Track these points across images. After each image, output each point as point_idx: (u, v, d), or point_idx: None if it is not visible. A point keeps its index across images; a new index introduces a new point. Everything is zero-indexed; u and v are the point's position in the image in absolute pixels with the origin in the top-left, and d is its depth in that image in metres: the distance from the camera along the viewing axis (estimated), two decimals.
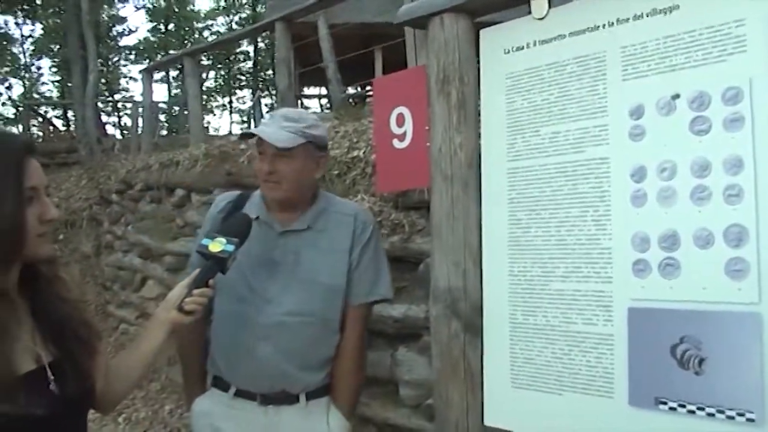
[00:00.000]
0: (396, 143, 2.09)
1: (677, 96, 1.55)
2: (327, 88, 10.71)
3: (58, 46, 24.98)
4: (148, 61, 24.65)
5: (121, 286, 6.58)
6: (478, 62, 1.92)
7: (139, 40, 29.40)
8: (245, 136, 2.15)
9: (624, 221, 1.60)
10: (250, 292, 2.01)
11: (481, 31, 1.92)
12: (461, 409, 1.88)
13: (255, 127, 2.18)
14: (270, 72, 27.09)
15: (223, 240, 1.80)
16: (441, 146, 1.89)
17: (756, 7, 1.45)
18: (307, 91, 17.84)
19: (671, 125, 1.55)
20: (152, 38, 28.63)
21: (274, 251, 2.04)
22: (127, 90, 29.93)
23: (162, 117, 20.01)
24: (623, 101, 1.62)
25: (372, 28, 9.82)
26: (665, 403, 1.54)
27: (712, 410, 1.48)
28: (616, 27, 1.65)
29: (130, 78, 29.97)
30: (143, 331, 1.71)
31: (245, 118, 29.81)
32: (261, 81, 28.39)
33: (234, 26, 28.32)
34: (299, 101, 14.70)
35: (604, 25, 1.68)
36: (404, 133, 2.07)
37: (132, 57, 28.95)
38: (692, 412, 1.50)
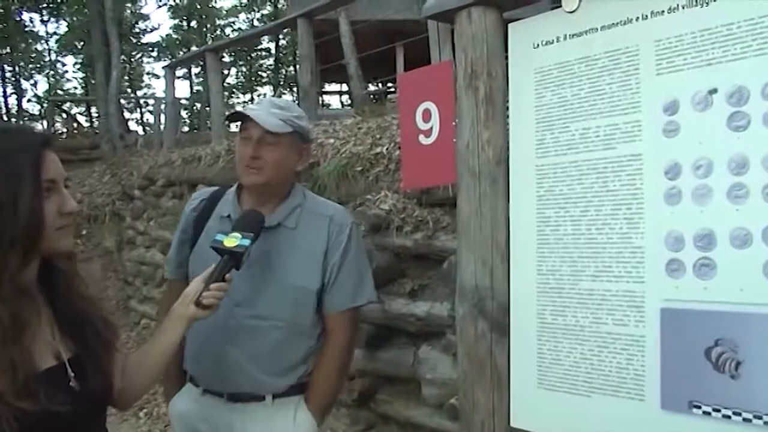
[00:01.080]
0: (422, 139, 2.06)
1: (714, 91, 1.50)
2: (348, 85, 10.71)
3: (82, 43, 25.16)
4: (170, 57, 24.81)
5: (143, 281, 6.61)
6: (507, 57, 1.89)
7: (162, 37, 29.55)
8: (234, 116, 2.03)
9: (657, 220, 1.56)
10: None
11: (510, 25, 1.89)
12: (487, 410, 1.84)
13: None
14: (291, 69, 27.15)
15: (239, 235, 1.79)
16: (468, 142, 1.86)
17: None
18: (328, 87, 17.85)
19: (707, 121, 1.50)
20: (174, 35, 28.77)
21: None
22: (149, 86, 30.14)
23: (184, 113, 20.14)
24: (657, 96, 1.58)
25: (393, 24, 9.79)
26: (699, 407, 1.50)
27: (749, 415, 1.44)
28: (650, 20, 1.61)
29: (153, 75, 30.07)
30: (162, 327, 1.70)
31: None
32: (282, 78, 28.47)
33: (255, 23, 28.40)
34: (320, 98, 14.72)
35: (637, 18, 1.63)
36: (430, 129, 2.04)
37: (154, 54, 29.14)
38: (728, 416, 1.46)
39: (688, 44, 1.54)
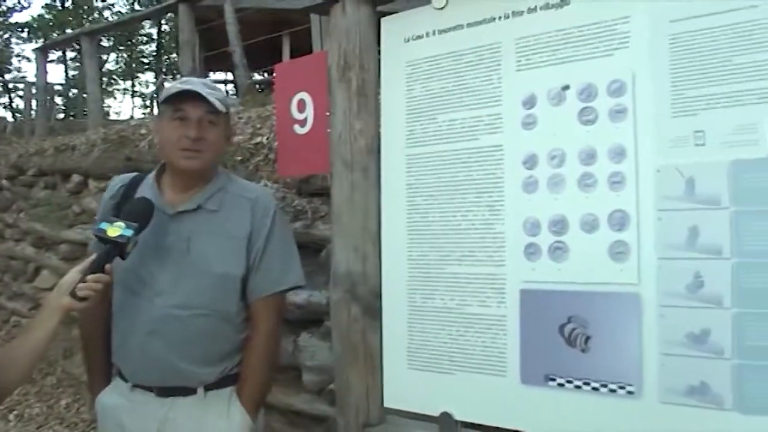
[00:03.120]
0: (297, 128, 2.09)
1: (567, 87, 1.62)
2: (233, 74, 10.52)
3: None
4: (43, 39, 23.46)
5: (12, 277, 6.27)
6: (380, 50, 1.95)
7: (33, 17, 27.93)
8: (179, 95, 1.86)
9: (516, 207, 1.67)
10: (140, 283, 1.89)
11: (383, 19, 1.95)
12: (361, 392, 1.91)
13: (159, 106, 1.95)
14: (174, 55, 26.29)
15: (122, 224, 1.72)
16: (341, 132, 1.91)
17: (640, 5, 1.54)
18: (213, 76, 17.46)
19: (561, 115, 1.62)
20: (47, 16, 27.26)
21: (166, 237, 1.90)
22: (19, 70, 28.42)
23: (59, 100, 19.15)
24: (517, 91, 1.68)
25: (280, 13, 9.73)
26: (554, 380, 1.62)
27: (596, 385, 1.57)
28: (512, 19, 1.71)
29: (24, 58, 28.43)
30: (34, 320, 1.64)
31: (148, 103, 28.87)
32: (165, 65, 27.56)
33: (137, 7, 27.34)
34: None
35: (500, 17, 1.73)
36: (305, 119, 2.07)
37: (24, 35, 27.50)
38: (578, 387, 1.59)
39: (545, 43, 1.66)
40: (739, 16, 1.43)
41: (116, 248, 1.70)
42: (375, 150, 1.89)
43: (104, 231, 1.71)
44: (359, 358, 1.90)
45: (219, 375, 1.94)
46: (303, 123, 2.08)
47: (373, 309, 1.88)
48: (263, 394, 2.05)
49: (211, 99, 1.85)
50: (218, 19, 7.37)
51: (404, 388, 1.86)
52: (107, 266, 1.68)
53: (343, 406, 1.94)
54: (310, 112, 2.07)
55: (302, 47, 7.00)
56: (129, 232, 1.71)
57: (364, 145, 1.89)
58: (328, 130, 1.98)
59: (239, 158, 3.47)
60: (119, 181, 2.09)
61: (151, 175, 2.03)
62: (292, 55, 10.13)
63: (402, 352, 1.85)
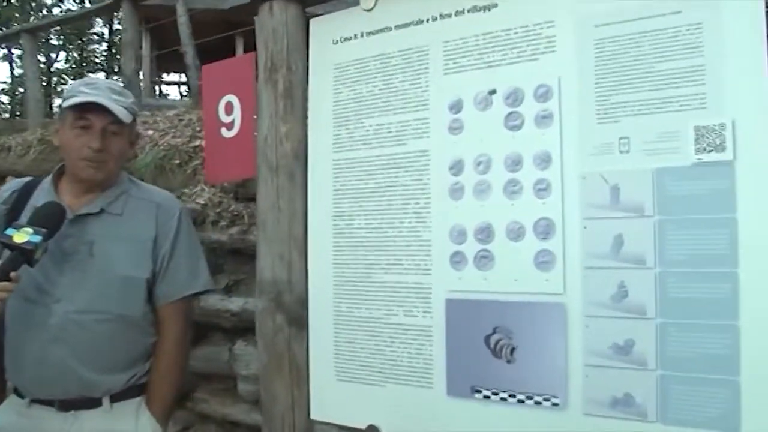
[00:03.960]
0: (224, 132, 2.03)
1: (494, 92, 1.58)
2: (186, 75, 10.34)
3: None
4: None
5: None
6: (309, 51, 1.89)
7: None
8: (81, 106, 1.78)
9: (443, 214, 1.63)
10: (36, 290, 1.79)
11: (311, 20, 1.89)
12: (287, 404, 1.84)
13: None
14: None
15: (30, 230, 1.65)
16: (267, 136, 1.85)
17: (565, 9, 1.51)
18: (166, 77, 17.16)
19: (487, 120, 1.59)
20: None
21: (65, 242, 1.81)
22: None
23: (4, 98, 18.57)
24: (444, 95, 1.65)
25: (233, 13, 9.58)
26: (480, 392, 1.58)
27: (522, 397, 1.53)
28: (440, 22, 1.68)
29: None
30: None
31: None
32: (116, 64, 26.97)
33: (87, 4, 26.74)
34: (157, 87, 14.14)
35: (428, 20, 1.69)
36: (232, 122, 2.01)
37: None
38: (504, 399, 1.55)
39: (472, 46, 1.62)
40: (663, 22, 1.41)
41: (23, 255, 1.62)
42: (302, 154, 1.84)
43: (10, 237, 1.63)
44: (285, 369, 1.84)
45: (126, 383, 1.86)
46: (230, 126, 2.02)
47: (299, 318, 1.82)
48: (173, 401, 1.99)
49: (116, 110, 1.79)
50: (169, 18, 7.21)
51: (332, 400, 1.81)
52: (12, 274, 1.60)
53: (269, 418, 1.88)
54: (237, 115, 2.00)
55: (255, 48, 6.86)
56: (37, 238, 1.64)
57: (290, 149, 1.83)
58: (255, 134, 1.91)
59: (177, 162, 3.38)
60: (12, 186, 2.00)
61: (48, 179, 1.95)
62: None
63: (329, 363, 1.80)
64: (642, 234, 1.42)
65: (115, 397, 1.84)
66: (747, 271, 1.33)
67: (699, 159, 1.37)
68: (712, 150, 1.36)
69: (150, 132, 3.78)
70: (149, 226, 1.90)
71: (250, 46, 1.96)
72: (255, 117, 1.93)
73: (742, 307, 1.33)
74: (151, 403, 1.90)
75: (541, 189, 1.51)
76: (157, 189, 2.09)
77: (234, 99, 2.00)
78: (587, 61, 1.48)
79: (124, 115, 1.81)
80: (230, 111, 2.01)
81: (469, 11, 1.63)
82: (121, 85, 1.95)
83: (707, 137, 1.36)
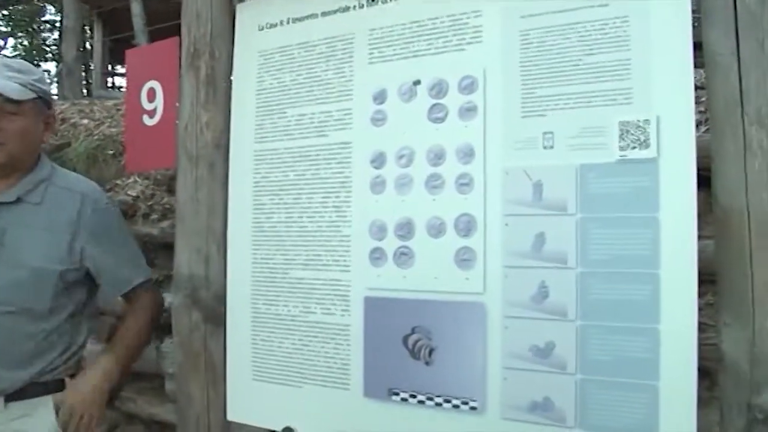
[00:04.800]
0: (146, 120, 1.94)
1: (418, 82, 1.53)
2: None
3: None
4: None
5: None
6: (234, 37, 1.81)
7: None
8: None
9: (363, 208, 1.56)
10: None
11: (238, 5, 1.82)
12: (202, 404, 1.76)
13: None
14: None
15: None
16: (187, 124, 1.77)
17: None
18: (120, 68, 16.81)
19: (411, 112, 1.53)
20: None
21: None
22: None
23: None
24: (368, 85, 1.58)
25: None
26: (398, 394, 1.52)
27: (440, 400, 1.48)
28: (366, 9, 1.61)
29: None
30: None
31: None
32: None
33: None
34: (110, 78, 13.83)
35: (354, 7, 1.63)
36: (154, 109, 1.92)
37: None
38: (422, 402, 1.49)
39: (398, 35, 1.56)
40: (590, 14, 1.37)
41: None
42: (223, 144, 1.75)
43: None
44: (200, 368, 1.76)
45: (28, 380, 1.73)
46: (152, 114, 1.92)
47: (216, 315, 1.74)
48: (133, 355, 1.92)
49: (5, 86, 1.67)
50: (125, 9, 7.04)
51: (249, 400, 1.73)
52: None
53: (184, 418, 1.80)
54: (159, 103, 1.91)
55: None
56: None
57: (211, 139, 1.75)
58: (177, 122, 1.83)
59: (111, 152, 3.27)
60: None
61: None
62: None
63: (246, 362, 1.72)
64: (564, 232, 1.37)
65: (11, 396, 1.71)
66: (668, 272, 1.29)
67: (623, 156, 1.32)
68: (636, 147, 1.32)
69: (85, 121, 3.66)
70: (70, 216, 1.79)
71: None
72: (177, 105, 1.84)
73: (663, 309, 1.29)
74: (109, 347, 1.86)
75: (464, 184, 1.46)
76: (83, 178, 1.97)
77: (157, 85, 1.91)
78: (513, 53, 1.43)
79: (17, 92, 1.68)
80: (153, 98, 1.92)
81: None
82: (24, 62, 1.80)
83: (632, 133, 1.32)
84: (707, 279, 1.30)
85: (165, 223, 2.78)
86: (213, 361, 1.75)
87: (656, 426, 1.29)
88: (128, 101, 2.00)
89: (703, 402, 1.29)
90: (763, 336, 1.23)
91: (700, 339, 1.26)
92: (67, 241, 1.76)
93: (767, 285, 1.23)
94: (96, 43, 9.18)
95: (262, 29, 1.76)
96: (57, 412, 1.73)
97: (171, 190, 2.89)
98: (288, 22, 1.72)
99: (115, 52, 12.02)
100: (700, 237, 1.27)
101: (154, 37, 6.89)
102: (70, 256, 1.76)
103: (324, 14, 1.66)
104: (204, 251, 1.74)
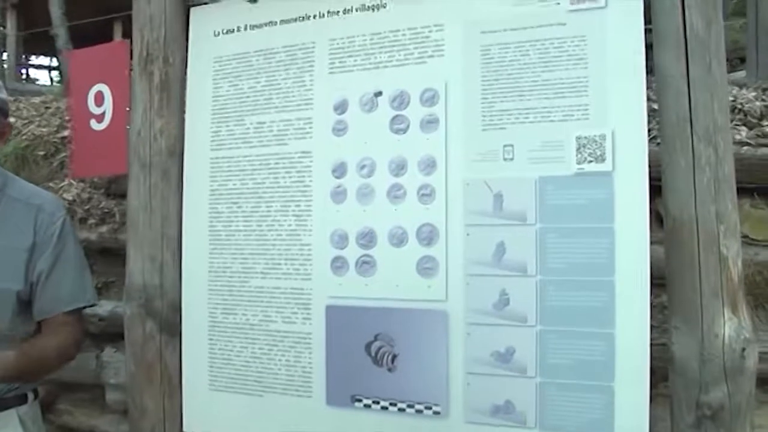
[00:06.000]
0: (94, 124, 1.89)
1: (380, 93, 1.55)
2: (57, 60, 9.77)
3: None
4: None
5: None
6: (188, 42, 1.79)
7: None
8: None
9: (324, 217, 1.57)
10: None
11: (192, 9, 1.79)
12: (157, 416, 1.73)
13: None
14: None
15: None
16: (140, 130, 1.73)
17: (454, 13, 1.50)
18: (35, 60, 16.14)
19: (373, 122, 1.55)
20: None
21: None
22: None
23: None
24: (329, 95, 1.59)
25: None
26: (360, 401, 1.54)
27: (403, 405, 1.50)
28: (327, 19, 1.63)
29: None
30: None
31: None
32: None
33: None
34: (24, 70, 13.27)
35: (315, 16, 1.64)
36: (103, 114, 1.87)
37: None
38: (385, 408, 1.52)
39: (359, 46, 1.58)
40: (549, 32, 1.42)
41: None
42: (177, 151, 1.73)
43: None
44: (155, 379, 1.72)
45: None
46: (101, 118, 1.88)
47: (171, 325, 1.72)
48: (17, 372, 1.66)
49: None
50: None
51: (206, 411, 1.72)
52: None
53: (137, 431, 1.76)
54: (108, 107, 1.87)
55: None
56: None
57: (165, 146, 1.72)
58: (128, 127, 1.79)
59: (42, 153, 3.14)
60: None
61: None
62: None
63: (203, 372, 1.71)
64: (524, 242, 1.42)
65: None
66: (622, 279, 1.35)
67: (580, 169, 1.38)
68: (592, 160, 1.38)
69: (12, 120, 3.50)
70: (26, 231, 1.66)
71: (130, 34, 1.81)
72: (128, 109, 1.80)
73: (618, 315, 1.35)
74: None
75: (425, 194, 1.49)
76: (38, 188, 1.81)
77: (105, 89, 1.86)
78: (474, 67, 1.47)
79: None
80: (101, 102, 1.87)
81: (357, 10, 1.59)
82: None
83: (588, 147, 1.38)
84: (657, 282, 1.38)
85: (104, 228, 2.69)
86: (168, 372, 1.72)
87: (611, 425, 1.36)
88: (74, 104, 1.95)
89: (656, 399, 1.36)
90: (711, 338, 1.31)
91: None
92: (24, 259, 1.64)
93: (714, 292, 1.31)
94: (9, 33, 8.78)
95: (218, 35, 1.74)
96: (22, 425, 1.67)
97: (109, 194, 2.80)
98: (245, 29, 1.71)
99: (31, 43, 11.55)
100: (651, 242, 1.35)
101: (73, 30, 6.66)
102: (27, 275, 1.65)
103: (283, 22, 1.66)
104: (158, 260, 1.71)
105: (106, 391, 2.61)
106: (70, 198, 2.78)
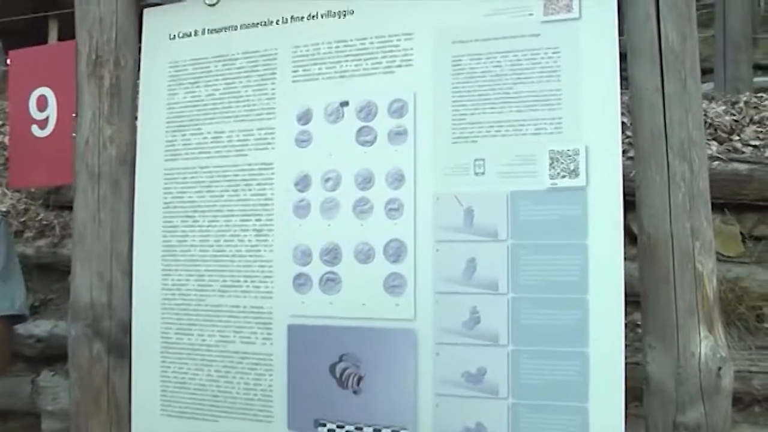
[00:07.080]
0: (35, 130, 1.79)
1: (346, 103, 1.49)
2: None
3: None
4: None
5: None
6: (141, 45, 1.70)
7: None
8: None
9: (286, 232, 1.50)
10: None
11: (145, 11, 1.71)
12: None
13: None
14: None
15: None
16: (89, 138, 1.63)
17: (424, 22, 1.45)
18: None
19: (338, 133, 1.49)
20: None
21: None
22: None
23: None
24: (292, 104, 1.53)
25: None
26: (324, 425, 1.47)
27: (369, 429, 1.44)
28: (291, 24, 1.56)
29: None
30: None
31: None
32: None
33: None
34: None
35: (278, 21, 1.57)
36: (46, 119, 1.77)
37: None
38: None
39: (325, 54, 1.52)
40: (521, 44, 1.38)
41: None
42: (129, 161, 1.63)
43: None
44: (102, 405, 1.61)
45: None
46: (44, 124, 1.77)
47: (120, 346, 1.61)
48: None
49: None
50: None
51: None
52: None
53: None
54: (52, 112, 1.76)
55: (74, 34, 6.27)
56: None
57: (115, 155, 1.62)
58: (74, 135, 1.68)
59: None
60: None
61: None
62: (62, 41, 9.13)
63: (155, 396, 1.61)
64: (495, 258, 1.38)
65: None
66: (596, 297, 1.32)
67: (553, 184, 1.35)
68: (565, 175, 1.34)
69: None
70: None
71: (67, 33, 1.72)
72: (75, 115, 1.70)
73: (591, 333, 1.32)
74: None
75: (393, 209, 1.43)
76: None
77: (49, 93, 1.76)
78: (444, 78, 1.42)
79: None
80: (44, 106, 1.77)
81: (323, 16, 1.53)
82: None
83: (561, 162, 1.34)
84: (629, 300, 1.35)
85: (42, 242, 2.57)
86: (116, 397, 1.61)
87: None
88: (13, 109, 1.83)
89: (627, 419, 1.33)
90: (686, 357, 1.28)
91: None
92: None
93: (690, 309, 1.29)
94: None
95: (174, 38, 1.66)
96: None
97: (48, 205, 2.68)
98: (203, 33, 1.63)
99: None
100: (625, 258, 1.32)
101: (4, 26, 6.39)
102: None
103: (244, 27, 1.59)
104: (107, 277, 1.60)
105: (43, 419, 2.47)
106: (4, 209, 2.64)
